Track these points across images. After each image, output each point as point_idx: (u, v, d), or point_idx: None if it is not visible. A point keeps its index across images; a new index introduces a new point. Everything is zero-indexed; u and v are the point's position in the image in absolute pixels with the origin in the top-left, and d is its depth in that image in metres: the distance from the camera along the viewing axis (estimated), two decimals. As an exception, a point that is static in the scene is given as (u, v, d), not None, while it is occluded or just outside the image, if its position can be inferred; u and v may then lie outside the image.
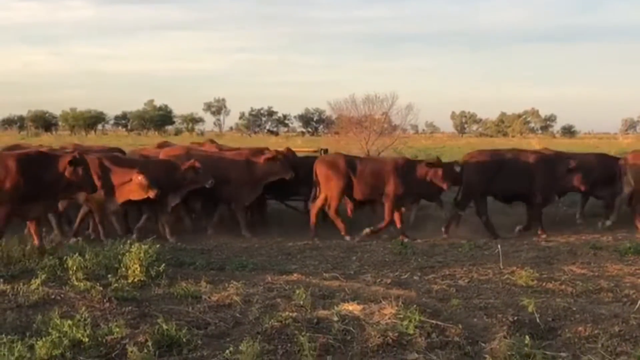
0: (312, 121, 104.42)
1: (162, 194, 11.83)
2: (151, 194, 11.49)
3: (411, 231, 12.90)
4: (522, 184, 13.08)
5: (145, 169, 11.86)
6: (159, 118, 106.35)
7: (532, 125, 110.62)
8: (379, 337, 6.27)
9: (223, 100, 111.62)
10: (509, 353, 5.94)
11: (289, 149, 14.78)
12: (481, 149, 15.02)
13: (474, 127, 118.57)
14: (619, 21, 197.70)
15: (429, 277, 9.25)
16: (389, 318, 6.74)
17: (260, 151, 13.84)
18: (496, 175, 12.99)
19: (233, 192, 13.03)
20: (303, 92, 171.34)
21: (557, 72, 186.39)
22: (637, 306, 7.59)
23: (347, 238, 12.38)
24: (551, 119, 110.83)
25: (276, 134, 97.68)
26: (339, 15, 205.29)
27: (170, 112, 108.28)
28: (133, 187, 11.60)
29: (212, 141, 18.36)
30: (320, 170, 12.96)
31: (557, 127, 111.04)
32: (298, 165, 13.80)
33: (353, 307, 7.13)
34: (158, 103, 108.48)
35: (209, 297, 7.66)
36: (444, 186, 12.71)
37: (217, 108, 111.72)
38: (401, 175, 12.70)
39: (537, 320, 6.89)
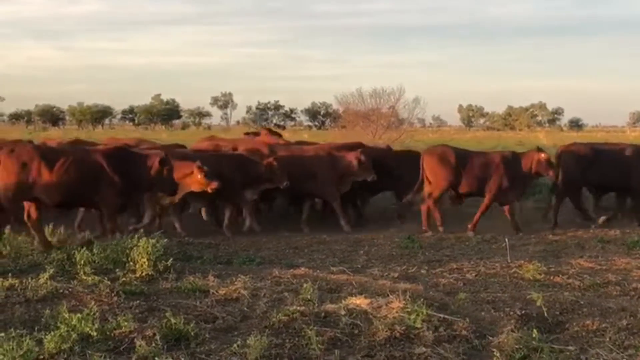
0: (318, 115, 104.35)
1: (239, 188, 12.02)
2: (212, 185, 11.34)
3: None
4: (619, 176, 13.26)
5: (220, 163, 11.97)
6: (166, 112, 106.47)
7: (539, 118, 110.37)
8: (386, 331, 6.27)
9: (230, 94, 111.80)
10: (516, 347, 5.94)
11: (388, 146, 14.93)
12: (576, 142, 15.37)
13: (481, 120, 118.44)
14: (627, 14, 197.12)
15: (437, 270, 9.24)
16: (397, 312, 6.73)
17: (349, 146, 13.88)
18: (594, 167, 13.11)
19: (320, 188, 13.01)
20: (310, 86, 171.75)
21: (564, 65, 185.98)
22: (645, 300, 7.59)
23: (441, 229, 12.37)
24: (558, 112, 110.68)
25: (283, 127, 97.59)
26: (346, 8, 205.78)
27: (177, 106, 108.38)
28: (193, 180, 11.47)
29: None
30: (428, 161, 12.86)
31: (564, 120, 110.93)
32: (394, 160, 13.84)
33: (360, 301, 7.13)
34: (165, 97, 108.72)
35: (217, 291, 7.67)
36: (551, 174, 12.74)
37: (224, 102, 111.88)
38: (509, 169, 12.66)
39: (545, 313, 6.88)
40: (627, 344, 6.16)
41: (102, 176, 10.27)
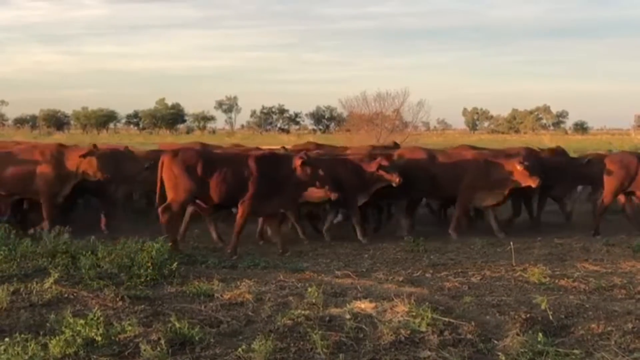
0: (323, 119, 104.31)
1: (350, 193, 11.94)
2: (333, 196, 11.28)
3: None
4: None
5: (333, 169, 11.87)
6: (170, 116, 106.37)
7: (544, 121, 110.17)
8: (391, 335, 6.27)
9: (235, 98, 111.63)
10: (521, 350, 5.93)
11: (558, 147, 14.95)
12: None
13: (486, 123, 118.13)
14: (632, 16, 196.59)
15: (442, 274, 9.23)
16: (402, 316, 6.74)
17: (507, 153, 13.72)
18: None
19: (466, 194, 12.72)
20: (315, 89, 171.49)
21: (568, 68, 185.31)
22: (650, 303, 7.57)
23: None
24: (563, 115, 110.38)
25: (287, 131, 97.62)
26: (350, 11, 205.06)
27: (182, 110, 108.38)
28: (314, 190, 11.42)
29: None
30: (611, 167, 12.76)
31: (569, 123, 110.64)
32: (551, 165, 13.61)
33: (365, 305, 7.13)
34: (170, 101, 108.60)
35: (221, 296, 7.67)
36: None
37: (229, 106, 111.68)
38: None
39: (550, 317, 6.87)
40: (633, 348, 6.15)
41: (250, 179, 10.65)
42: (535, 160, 13.15)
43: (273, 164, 10.95)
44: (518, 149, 15.18)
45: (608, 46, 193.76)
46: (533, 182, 12.10)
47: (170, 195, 10.64)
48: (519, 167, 12.15)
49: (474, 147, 15.64)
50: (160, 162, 10.82)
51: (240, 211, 10.77)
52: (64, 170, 11.88)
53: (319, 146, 16.27)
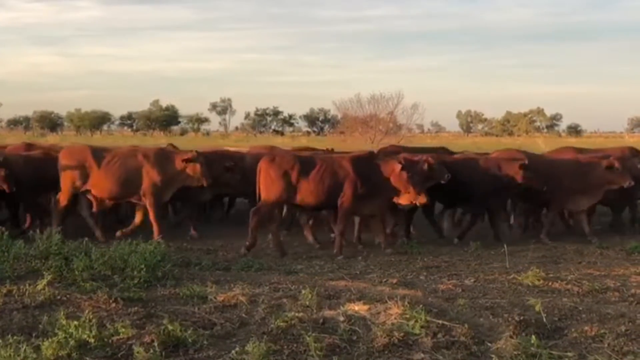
0: (317, 121, 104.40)
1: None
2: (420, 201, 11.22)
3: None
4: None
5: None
6: (164, 118, 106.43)
7: (537, 124, 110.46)
8: (385, 337, 6.27)
9: (229, 100, 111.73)
10: (515, 353, 5.93)
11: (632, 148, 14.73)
12: None
13: (480, 126, 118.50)
14: (625, 19, 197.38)
15: (435, 276, 9.23)
16: (395, 318, 6.73)
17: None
18: None
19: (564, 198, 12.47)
20: (309, 91, 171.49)
21: (562, 70, 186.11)
22: (643, 305, 7.58)
23: None
24: (557, 118, 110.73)
25: (281, 133, 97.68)
26: (345, 14, 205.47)
27: (176, 112, 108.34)
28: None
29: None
30: None
31: (562, 126, 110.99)
32: None
33: (359, 307, 7.12)
34: (164, 103, 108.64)
35: (215, 298, 7.65)
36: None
37: (223, 108, 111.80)
38: None
39: (544, 319, 6.87)
40: (626, 350, 6.15)
41: (347, 181, 10.85)
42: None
43: (370, 166, 11.15)
44: (621, 148, 15.11)
45: (602, 49, 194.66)
46: (624, 182, 12.08)
47: (262, 197, 10.94)
48: (616, 166, 12.10)
49: (575, 149, 15.50)
50: (259, 166, 11.08)
51: (340, 213, 10.97)
52: (169, 174, 12.01)
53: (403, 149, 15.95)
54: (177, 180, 12.08)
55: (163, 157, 12.16)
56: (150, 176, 11.88)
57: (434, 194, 11.84)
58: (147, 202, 11.91)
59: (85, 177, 11.93)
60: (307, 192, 10.85)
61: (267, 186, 10.91)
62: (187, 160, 11.94)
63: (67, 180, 12.01)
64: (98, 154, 12.16)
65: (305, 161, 11.17)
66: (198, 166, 11.93)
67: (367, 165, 11.16)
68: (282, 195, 10.86)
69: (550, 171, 12.40)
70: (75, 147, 13.10)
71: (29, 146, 14.53)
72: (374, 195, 10.98)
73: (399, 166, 10.88)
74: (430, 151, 14.30)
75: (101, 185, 11.96)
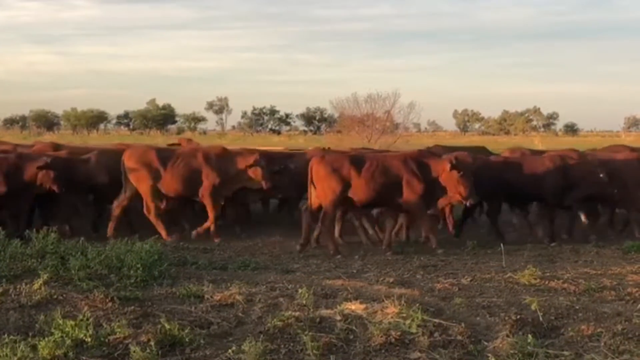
0: (314, 120, 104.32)
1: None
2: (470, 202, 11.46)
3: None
4: None
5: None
6: (161, 117, 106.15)
7: (534, 123, 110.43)
8: (381, 336, 6.27)
9: (225, 99, 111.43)
10: (511, 352, 5.94)
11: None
12: None
13: (476, 125, 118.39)
14: (622, 18, 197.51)
15: (432, 275, 9.24)
16: (392, 317, 6.73)
17: None
18: None
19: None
20: (306, 90, 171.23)
21: (559, 69, 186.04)
22: (640, 304, 7.59)
23: None
24: (553, 117, 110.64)
25: (278, 132, 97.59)
26: (342, 13, 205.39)
27: (173, 111, 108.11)
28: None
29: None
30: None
31: (559, 125, 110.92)
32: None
33: (356, 306, 7.12)
34: (160, 102, 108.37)
35: (212, 297, 7.65)
36: None
37: (220, 107, 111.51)
38: None
39: (540, 318, 6.88)
40: (622, 349, 6.15)
41: (403, 180, 10.99)
42: None
43: (423, 165, 11.21)
44: None
45: (598, 48, 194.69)
46: None
47: (321, 199, 11.07)
48: None
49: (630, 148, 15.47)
50: (310, 165, 11.24)
51: (413, 212, 11.26)
52: (229, 175, 12.16)
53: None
54: (237, 182, 12.25)
55: (224, 158, 12.31)
56: (209, 177, 12.07)
57: (505, 194, 12.10)
58: (205, 202, 12.13)
59: (156, 177, 12.11)
60: (358, 190, 10.94)
61: (321, 186, 11.04)
62: (250, 164, 12.09)
63: (142, 182, 12.17)
64: (163, 154, 12.44)
65: (355, 160, 11.29)
66: (259, 169, 12.05)
67: (422, 164, 11.21)
68: (335, 193, 10.94)
69: (616, 171, 12.38)
70: (140, 148, 13.18)
71: (57, 146, 14.46)
72: (428, 193, 11.12)
73: (449, 165, 10.95)
74: (469, 150, 14.42)
75: (168, 185, 12.15)
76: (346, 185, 10.92)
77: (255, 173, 12.07)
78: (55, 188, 11.56)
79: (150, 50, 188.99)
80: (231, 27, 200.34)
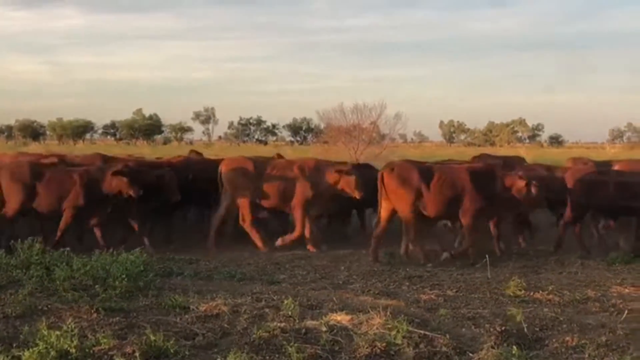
0: (300, 130, 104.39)
1: None
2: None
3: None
4: None
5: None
6: (147, 127, 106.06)
7: (519, 134, 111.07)
8: (367, 347, 6.28)
9: (212, 109, 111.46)
10: (496, 363, 5.96)
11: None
12: None
13: (462, 136, 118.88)
14: (607, 30, 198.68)
15: (417, 286, 9.26)
16: (377, 328, 6.75)
17: None
18: None
19: None
20: (293, 101, 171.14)
21: (544, 81, 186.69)
22: (624, 316, 7.64)
23: None
24: (539, 128, 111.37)
25: (265, 143, 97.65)
26: (329, 24, 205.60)
27: (159, 121, 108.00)
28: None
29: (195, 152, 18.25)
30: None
31: (544, 136, 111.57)
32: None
33: (341, 317, 7.13)
34: (147, 112, 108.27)
35: (197, 308, 7.64)
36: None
37: (206, 117, 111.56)
38: None
39: (525, 330, 6.91)
40: (606, 360, 6.20)
41: (466, 192, 11.11)
42: None
43: (490, 178, 11.33)
44: None
45: (584, 60, 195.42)
46: None
47: (398, 210, 11.24)
48: None
49: None
50: (379, 176, 11.39)
51: (465, 224, 11.26)
52: (322, 186, 12.26)
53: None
54: (330, 193, 12.32)
55: (316, 170, 12.40)
56: (301, 189, 12.21)
57: (598, 207, 12.04)
58: (295, 214, 12.32)
59: (256, 188, 12.32)
60: (427, 201, 11.07)
61: (394, 197, 11.17)
62: (341, 173, 12.17)
63: (242, 192, 12.37)
64: (259, 165, 12.62)
65: (424, 170, 11.37)
66: (352, 179, 12.07)
67: (489, 177, 11.33)
68: (408, 204, 11.07)
69: None
70: (238, 158, 13.30)
71: (103, 157, 14.38)
72: (495, 206, 11.27)
73: (523, 182, 11.06)
74: (508, 160, 14.74)
75: (261, 195, 12.34)
76: (416, 196, 11.05)
77: (348, 183, 12.08)
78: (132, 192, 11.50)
79: (137, 60, 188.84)
80: (218, 37, 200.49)
